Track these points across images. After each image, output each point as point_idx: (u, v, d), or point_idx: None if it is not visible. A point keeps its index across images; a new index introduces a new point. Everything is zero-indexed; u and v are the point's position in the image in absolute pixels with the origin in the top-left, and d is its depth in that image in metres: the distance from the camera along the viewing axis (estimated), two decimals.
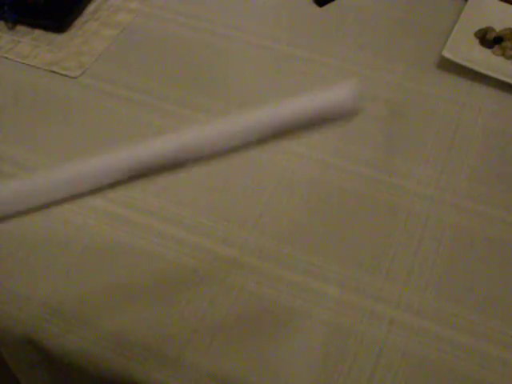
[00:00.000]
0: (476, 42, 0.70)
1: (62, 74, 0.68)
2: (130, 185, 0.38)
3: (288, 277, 0.51)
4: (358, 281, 0.51)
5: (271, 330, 0.48)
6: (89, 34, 0.73)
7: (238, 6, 0.77)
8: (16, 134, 0.63)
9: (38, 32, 0.74)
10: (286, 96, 0.67)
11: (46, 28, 0.74)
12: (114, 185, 0.37)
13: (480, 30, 0.71)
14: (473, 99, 0.65)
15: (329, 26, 0.74)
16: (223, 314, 0.49)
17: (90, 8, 0.77)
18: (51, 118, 0.64)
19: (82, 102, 0.66)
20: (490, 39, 0.69)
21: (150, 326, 0.48)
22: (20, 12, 0.74)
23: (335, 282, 0.50)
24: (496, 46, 0.69)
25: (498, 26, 0.71)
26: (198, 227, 0.54)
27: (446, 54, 0.66)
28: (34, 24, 0.74)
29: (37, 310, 0.49)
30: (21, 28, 0.74)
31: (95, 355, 0.47)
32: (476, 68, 0.65)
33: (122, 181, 0.37)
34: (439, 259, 0.52)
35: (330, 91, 0.40)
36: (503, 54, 0.68)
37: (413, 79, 0.67)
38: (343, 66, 0.69)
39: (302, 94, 0.41)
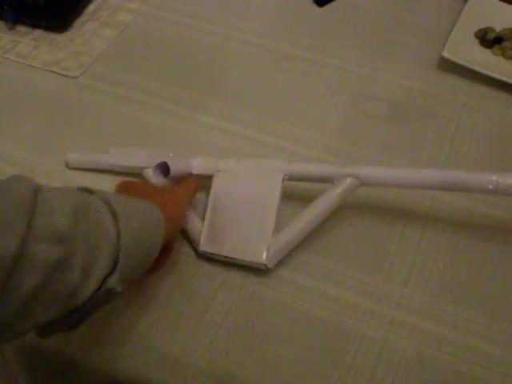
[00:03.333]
0: (476, 42, 0.70)
1: (61, 74, 0.68)
2: None
3: (287, 276, 0.51)
4: (357, 281, 0.50)
5: (271, 330, 0.48)
6: (89, 34, 0.73)
7: (238, 6, 0.77)
8: (16, 133, 0.63)
9: (38, 32, 0.74)
10: (285, 96, 0.67)
11: (46, 28, 0.74)
12: None
13: (480, 30, 0.71)
14: (473, 99, 0.65)
15: (329, 25, 0.74)
16: (223, 314, 0.49)
17: (90, 8, 0.77)
18: (51, 117, 0.64)
19: (82, 101, 0.66)
20: (489, 39, 0.69)
21: (150, 325, 0.48)
22: (20, 12, 0.74)
23: (335, 282, 0.50)
24: (496, 46, 0.69)
25: (498, 26, 0.71)
26: None
27: (446, 54, 0.66)
28: (34, 24, 0.74)
29: None
30: (21, 28, 0.74)
31: (95, 356, 0.47)
32: (476, 68, 0.65)
33: None
34: (439, 259, 0.52)
35: None
36: (503, 54, 0.68)
37: (413, 79, 0.67)
38: (343, 65, 0.69)
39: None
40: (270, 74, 0.69)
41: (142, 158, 0.56)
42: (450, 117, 0.63)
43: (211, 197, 0.53)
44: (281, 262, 0.51)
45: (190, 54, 0.71)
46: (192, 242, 0.52)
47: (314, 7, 0.77)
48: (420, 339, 0.47)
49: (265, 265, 0.49)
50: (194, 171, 0.54)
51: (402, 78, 0.67)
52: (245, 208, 0.51)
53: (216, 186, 0.53)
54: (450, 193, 0.56)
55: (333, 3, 0.77)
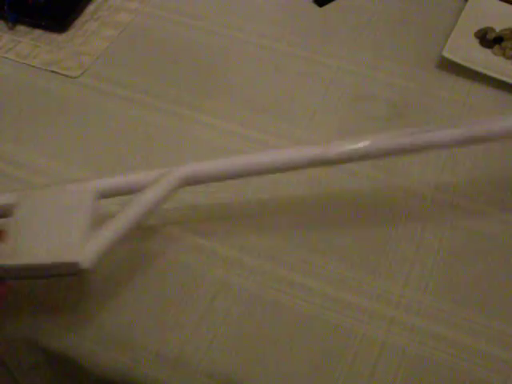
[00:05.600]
0: (476, 41, 0.70)
1: (62, 74, 0.68)
2: None
3: (288, 277, 0.51)
4: (358, 281, 0.51)
5: (271, 330, 0.48)
6: (89, 33, 0.74)
7: (238, 6, 0.77)
8: (16, 133, 0.63)
9: (38, 32, 0.74)
10: (285, 96, 0.67)
11: (46, 28, 0.74)
12: None
13: (480, 30, 0.70)
14: (473, 99, 0.65)
15: (329, 26, 0.74)
16: (223, 314, 0.49)
17: (90, 8, 0.77)
18: (51, 118, 0.64)
19: (82, 101, 0.66)
20: (490, 39, 0.69)
21: (151, 325, 0.48)
22: (20, 12, 0.74)
23: (335, 282, 0.50)
24: (496, 46, 0.69)
25: (498, 26, 0.71)
26: None
27: (446, 54, 0.66)
28: (34, 24, 0.74)
29: (37, 310, 0.49)
30: (21, 28, 0.74)
31: (95, 355, 0.47)
32: (476, 68, 0.65)
33: None
34: (439, 259, 0.52)
35: None
36: (503, 54, 0.68)
37: (413, 79, 0.67)
38: (343, 65, 0.69)
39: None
40: (270, 73, 0.69)
41: None
42: (449, 117, 0.63)
43: (12, 221, 0.42)
44: (280, 262, 0.51)
45: (190, 54, 0.71)
46: None
47: (314, 7, 0.77)
48: (420, 339, 0.47)
49: (78, 265, 0.38)
50: None
51: (402, 77, 0.67)
52: (52, 221, 0.41)
53: (19, 211, 0.42)
54: (450, 193, 0.56)
55: (333, 3, 0.77)
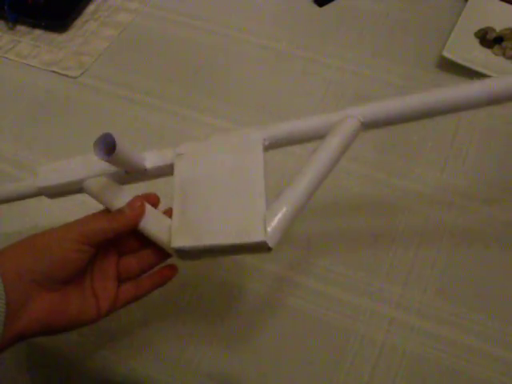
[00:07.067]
0: (476, 41, 0.70)
1: (62, 74, 0.68)
2: None
3: (288, 275, 0.51)
4: (358, 281, 0.51)
5: (271, 330, 0.48)
6: (89, 33, 0.74)
7: (237, 6, 0.77)
8: (16, 133, 0.63)
9: (38, 32, 0.74)
10: (285, 96, 0.67)
11: (46, 28, 0.74)
12: None
13: (480, 30, 0.70)
14: None
15: (329, 26, 0.74)
16: (224, 314, 0.49)
17: (90, 8, 0.77)
18: (51, 118, 0.64)
19: (82, 102, 0.66)
20: (490, 39, 0.69)
21: (150, 325, 0.48)
22: (20, 12, 0.74)
23: (335, 282, 0.50)
24: (496, 46, 0.69)
25: (498, 26, 0.71)
26: None
27: (446, 54, 0.66)
28: (34, 24, 0.74)
29: None
30: (21, 28, 0.74)
31: (95, 355, 0.47)
32: (476, 68, 0.65)
33: None
34: (439, 259, 0.52)
35: None
36: (503, 54, 0.68)
37: (413, 79, 0.67)
38: (343, 66, 0.69)
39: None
40: (270, 73, 0.69)
41: (78, 168, 0.43)
42: (449, 116, 0.63)
43: (176, 185, 0.40)
44: (279, 263, 0.51)
45: (190, 54, 0.71)
46: (162, 245, 0.39)
47: (314, 7, 0.77)
48: (420, 339, 0.47)
49: (265, 243, 0.35)
50: (148, 164, 0.42)
51: (402, 77, 0.67)
52: (222, 186, 0.39)
53: (180, 170, 0.41)
54: (450, 193, 0.56)
55: (333, 3, 0.77)
